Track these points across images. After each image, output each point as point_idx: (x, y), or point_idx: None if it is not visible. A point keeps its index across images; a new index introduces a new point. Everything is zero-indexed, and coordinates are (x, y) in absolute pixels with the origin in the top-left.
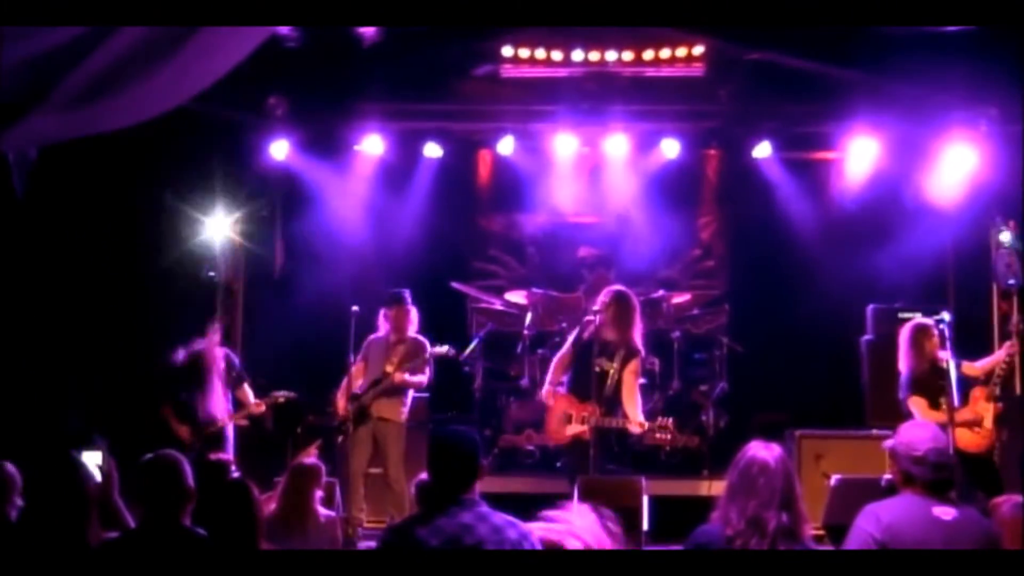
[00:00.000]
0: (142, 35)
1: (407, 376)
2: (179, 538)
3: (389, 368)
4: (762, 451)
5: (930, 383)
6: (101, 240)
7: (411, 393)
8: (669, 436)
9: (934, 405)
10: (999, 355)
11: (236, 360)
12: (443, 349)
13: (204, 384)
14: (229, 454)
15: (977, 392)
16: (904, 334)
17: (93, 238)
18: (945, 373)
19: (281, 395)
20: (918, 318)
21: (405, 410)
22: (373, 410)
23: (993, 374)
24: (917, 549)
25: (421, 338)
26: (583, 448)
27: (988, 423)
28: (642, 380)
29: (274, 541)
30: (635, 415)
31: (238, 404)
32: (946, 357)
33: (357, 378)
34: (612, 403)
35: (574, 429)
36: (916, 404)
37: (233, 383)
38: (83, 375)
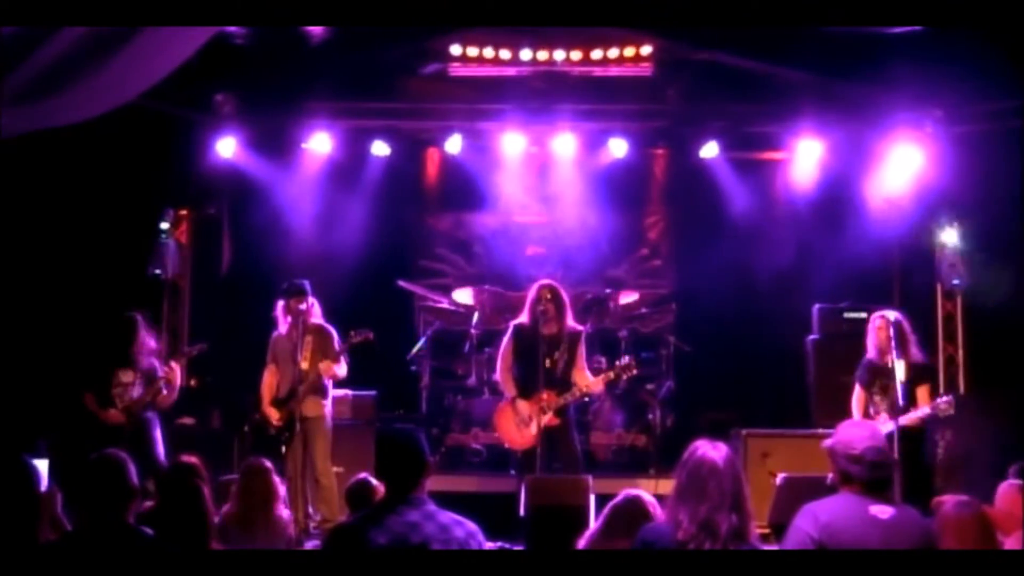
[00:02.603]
0: (89, 31)
1: (327, 367)
2: (125, 537)
3: (304, 365)
4: (710, 451)
5: (875, 377)
6: (47, 237)
7: (331, 387)
8: (634, 368)
9: (868, 398)
10: (914, 414)
11: (156, 361)
12: (360, 337)
13: (126, 356)
14: (159, 446)
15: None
16: (869, 324)
17: (39, 235)
18: (890, 371)
19: (194, 349)
20: (885, 310)
21: (327, 403)
22: (299, 412)
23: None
24: (853, 549)
25: (326, 325)
26: (554, 435)
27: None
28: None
29: (233, 541)
30: (588, 380)
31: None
32: (901, 353)
33: (271, 381)
34: (565, 384)
35: (541, 422)
36: (855, 392)
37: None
38: (26, 376)
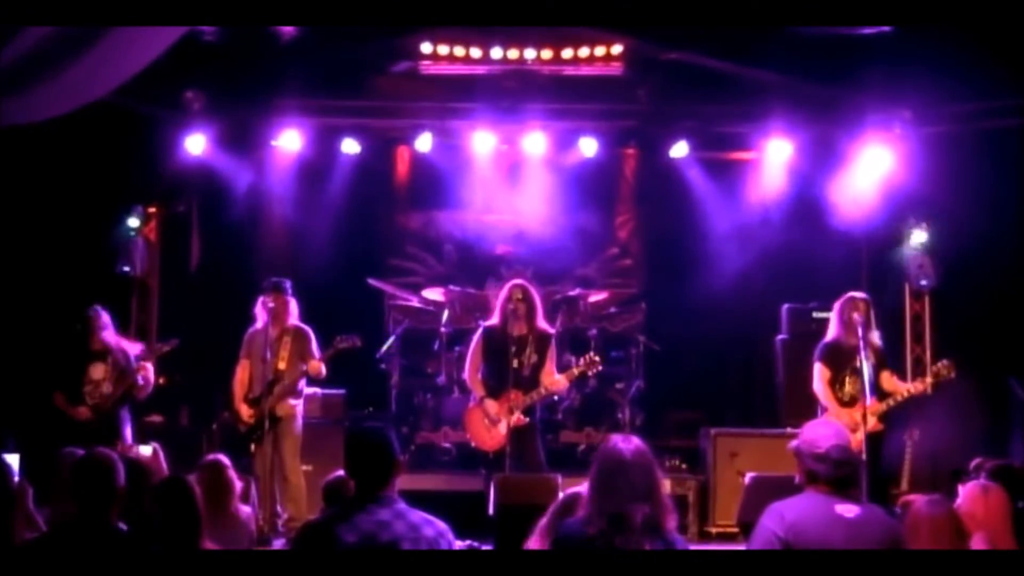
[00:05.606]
0: (57, 29)
1: (316, 367)
2: (108, 537)
3: (282, 365)
4: (620, 444)
5: (840, 356)
6: (14, 234)
7: (304, 387)
8: (599, 365)
9: (836, 380)
10: (913, 385)
11: (130, 354)
12: (348, 343)
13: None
14: (127, 437)
15: (872, 403)
16: (836, 305)
17: (6, 232)
18: (857, 355)
19: (166, 345)
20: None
21: (299, 403)
22: (271, 411)
23: (893, 395)
24: (819, 548)
25: (304, 326)
26: (521, 436)
27: (861, 434)
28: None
29: None
30: (555, 379)
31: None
32: (867, 337)
33: (243, 377)
34: (533, 384)
35: (510, 422)
36: (818, 371)
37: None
38: None
